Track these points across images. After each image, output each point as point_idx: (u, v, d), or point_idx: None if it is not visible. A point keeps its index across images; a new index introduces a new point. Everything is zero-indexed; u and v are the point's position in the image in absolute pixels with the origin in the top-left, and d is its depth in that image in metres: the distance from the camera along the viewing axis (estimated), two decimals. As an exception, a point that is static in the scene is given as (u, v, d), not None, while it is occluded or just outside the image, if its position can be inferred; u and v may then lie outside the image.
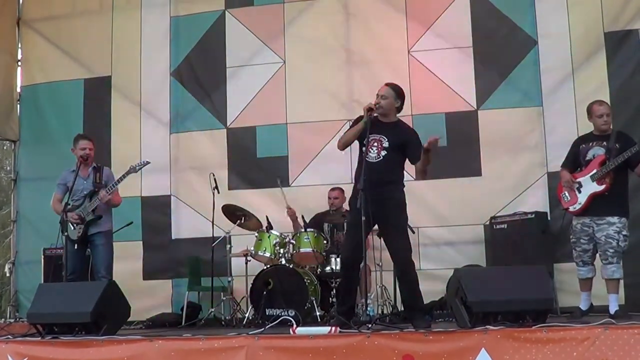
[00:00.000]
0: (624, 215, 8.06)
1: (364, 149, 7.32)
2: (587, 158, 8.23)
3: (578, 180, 8.20)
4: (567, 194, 8.31)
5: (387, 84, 7.59)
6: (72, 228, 8.88)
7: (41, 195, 11.11)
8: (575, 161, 8.40)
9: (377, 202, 7.10)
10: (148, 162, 9.28)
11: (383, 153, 7.32)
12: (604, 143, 8.15)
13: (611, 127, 8.30)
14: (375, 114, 7.37)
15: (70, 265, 8.76)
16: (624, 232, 7.99)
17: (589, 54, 10.41)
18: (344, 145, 7.57)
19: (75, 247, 8.89)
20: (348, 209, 9.54)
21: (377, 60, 11.07)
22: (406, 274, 7.33)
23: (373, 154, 7.31)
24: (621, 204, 8.10)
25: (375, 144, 7.34)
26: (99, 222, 8.98)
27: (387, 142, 7.33)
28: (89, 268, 9.13)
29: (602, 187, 8.01)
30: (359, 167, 7.36)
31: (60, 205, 8.91)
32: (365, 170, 7.11)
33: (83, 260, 9.06)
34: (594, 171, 8.08)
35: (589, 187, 8.10)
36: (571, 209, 8.28)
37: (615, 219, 7.96)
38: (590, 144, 8.27)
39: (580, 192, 8.17)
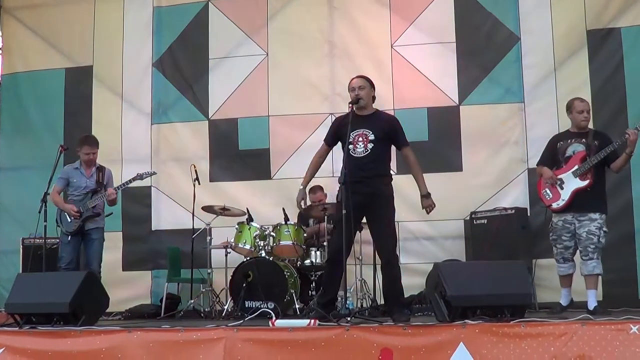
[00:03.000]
0: (604, 212, 8.08)
1: (350, 146, 7.33)
2: (567, 155, 8.21)
3: (559, 176, 8.18)
4: (548, 191, 8.28)
5: (357, 77, 7.70)
6: (69, 220, 9.05)
7: (21, 185, 11.09)
8: (552, 159, 8.39)
9: (365, 195, 7.24)
10: (155, 173, 9.82)
11: (370, 146, 7.38)
12: (583, 140, 8.16)
13: (589, 125, 8.34)
14: (355, 107, 7.45)
15: (67, 256, 9.06)
16: (604, 229, 8.01)
17: (571, 51, 10.46)
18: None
19: (69, 239, 9.10)
20: (325, 203, 9.62)
21: (360, 54, 11.07)
22: (390, 268, 7.38)
23: (360, 149, 7.38)
24: (602, 201, 8.12)
25: (361, 138, 7.40)
26: (96, 219, 9.24)
27: (372, 135, 7.39)
28: (80, 259, 9.35)
29: (586, 182, 8.01)
30: (346, 166, 7.31)
31: (59, 197, 9.19)
32: (351, 166, 7.18)
33: (77, 252, 9.26)
34: (576, 167, 8.06)
35: (571, 183, 8.09)
36: (554, 205, 8.23)
37: (596, 215, 7.98)
38: (569, 141, 8.27)
39: (562, 188, 8.14)
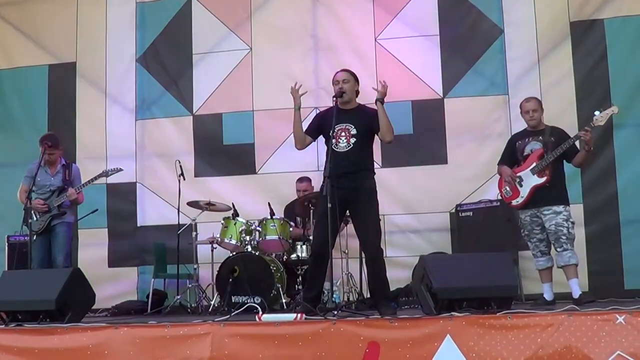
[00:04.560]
0: (567, 204, 8.24)
1: (333, 141, 7.35)
2: (525, 153, 8.39)
3: (518, 174, 8.34)
4: (508, 189, 8.45)
5: (342, 70, 7.74)
6: (35, 219, 8.90)
7: (5, 182, 11.02)
8: (511, 157, 8.56)
9: (349, 190, 7.26)
10: (121, 169, 9.48)
11: (352, 140, 7.41)
12: (540, 137, 8.35)
13: (543, 122, 8.47)
14: (339, 101, 7.51)
15: (35, 256, 8.87)
16: (571, 220, 8.16)
17: (554, 43, 10.50)
18: (299, 142, 7.76)
19: (35, 238, 8.92)
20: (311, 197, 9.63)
21: (344, 47, 11.08)
22: (375, 261, 7.40)
23: (343, 144, 7.41)
24: (562, 194, 8.28)
25: (343, 133, 7.43)
26: (62, 217, 9.06)
27: (354, 129, 7.42)
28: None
29: (543, 179, 8.18)
30: (329, 161, 7.33)
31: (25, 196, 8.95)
32: (334, 161, 7.19)
33: (47, 251, 9.07)
34: (534, 164, 8.24)
35: (530, 180, 8.24)
36: (514, 202, 8.41)
37: (560, 208, 8.13)
38: (527, 139, 8.45)
39: (521, 185, 8.31)
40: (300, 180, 10.40)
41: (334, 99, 7.42)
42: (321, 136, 7.74)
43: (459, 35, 10.86)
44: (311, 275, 7.64)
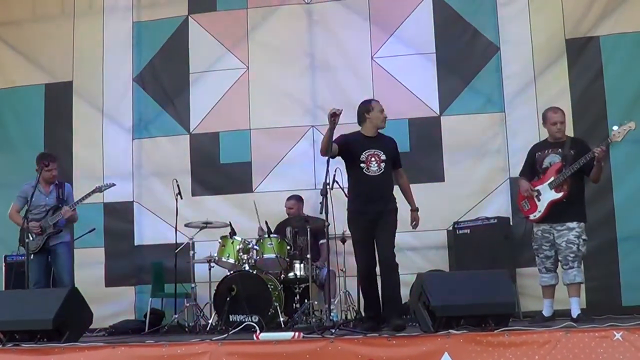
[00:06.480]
0: (583, 220, 8.13)
1: (363, 165, 7.65)
2: (544, 166, 8.27)
3: (537, 188, 8.23)
4: (526, 202, 8.35)
5: None
6: (31, 239, 8.87)
7: (2, 202, 10.99)
8: (532, 169, 8.45)
9: (374, 214, 7.64)
10: (114, 184, 9.55)
11: (383, 165, 7.70)
12: (559, 150, 8.21)
13: (565, 134, 8.38)
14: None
15: (32, 276, 8.85)
16: (584, 237, 8.06)
17: (550, 60, 10.51)
18: (323, 150, 7.61)
19: (32, 257, 8.89)
20: (306, 215, 9.66)
21: (340, 66, 11.09)
22: (391, 271, 7.64)
23: (374, 168, 7.68)
24: (579, 210, 8.18)
25: (374, 158, 7.68)
26: (59, 235, 9.09)
27: (384, 155, 7.70)
28: (50, 277, 9.17)
29: (561, 194, 8.07)
30: (357, 185, 7.75)
31: (18, 216, 9.02)
32: (365, 185, 7.64)
33: (44, 270, 9.09)
34: (552, 179, 8.13)
35: (547, 195, 8.15)
36: (531, 217, 8.31)
37: (574, 224, 8.02)
38: (546, 151, 8.33)
39: (539, 200, 8.20)
40: (288, 198, 10.46)
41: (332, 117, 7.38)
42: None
43: (455, 53, 10.88)
44: (365, 297, 7.97)
